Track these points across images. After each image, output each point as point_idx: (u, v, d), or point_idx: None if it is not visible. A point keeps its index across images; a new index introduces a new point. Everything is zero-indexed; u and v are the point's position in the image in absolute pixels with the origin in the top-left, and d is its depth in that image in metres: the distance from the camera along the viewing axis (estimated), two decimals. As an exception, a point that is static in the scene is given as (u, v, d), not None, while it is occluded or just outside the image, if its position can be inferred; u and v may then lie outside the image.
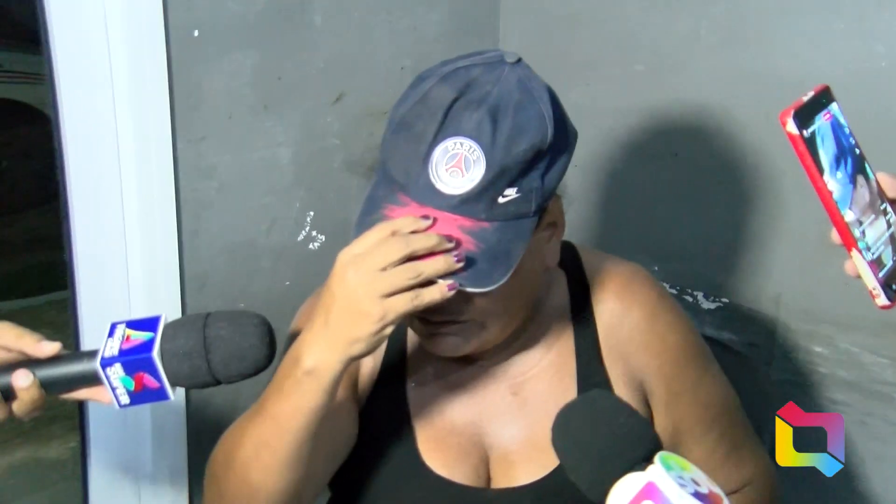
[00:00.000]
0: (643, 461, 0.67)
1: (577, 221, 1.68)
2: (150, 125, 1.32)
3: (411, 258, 0.78)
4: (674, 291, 1.53)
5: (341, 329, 0.79)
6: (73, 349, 0.95)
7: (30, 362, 0.81)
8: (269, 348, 0.83)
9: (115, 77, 1.27)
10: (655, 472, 0.65)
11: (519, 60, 0.87)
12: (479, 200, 0.82)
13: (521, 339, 1.00)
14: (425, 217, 0.80)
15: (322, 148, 1.53)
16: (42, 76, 1.34)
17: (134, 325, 0.83)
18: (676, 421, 1.01)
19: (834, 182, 0.68)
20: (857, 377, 1.35)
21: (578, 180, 1.64)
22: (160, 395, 0.81)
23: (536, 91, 0.85)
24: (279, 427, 0.84)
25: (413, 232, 0.80)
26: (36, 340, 0.82)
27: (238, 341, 0.82)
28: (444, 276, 0.79)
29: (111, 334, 0.82)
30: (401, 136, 0.85)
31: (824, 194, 0.68)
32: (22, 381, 0.79)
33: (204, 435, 1.49)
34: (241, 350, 0.82)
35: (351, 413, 0.99)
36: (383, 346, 1.00)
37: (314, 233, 1.56)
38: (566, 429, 0.73)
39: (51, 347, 0.82)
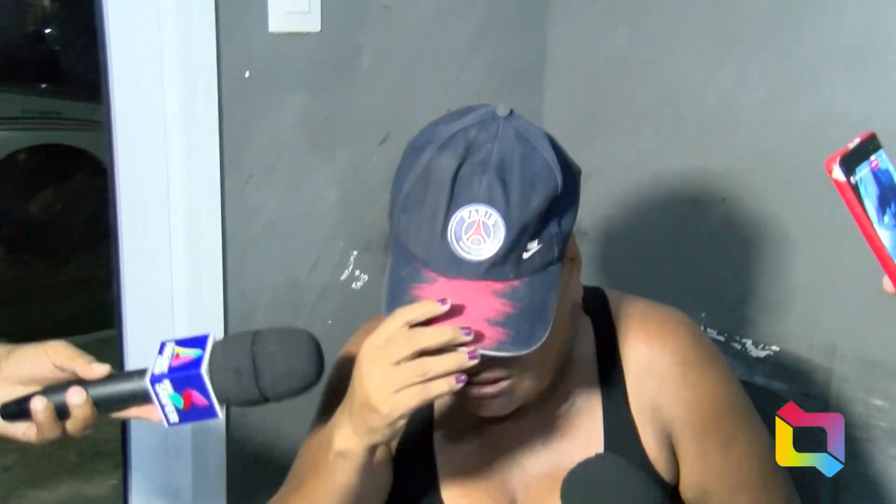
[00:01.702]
0: None
1: (624, 269, 1.67)
2: (200, 163, 1.36)
3: (426, 352, 0.79)
4: (721, 338, 1.50)
5: (360, 419, 0.82)
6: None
7: (82, 381, 0.83)
8: (317, 365, 0.84)
9: (167, 114, 1.32)
10: None
11: (511, 112, 0.86)
12: (505, 262, 0.82)
13: (551, 390, 0.97)
14: (443, 301, 0.80)
15: (367, 188, 1.55)
16: (97, 123, 1.39)
17: (183, 342, 0.84)
18: (703, 480, 0.98)
19: (883, 229, 0.66)
20: (919, 433, 1.30)
21: (626, 227, 1.63)
22: (209, 412, 0.82)
23: (536, 140, 0.85)
24: None
25: (430, 320, 0.80)
26: (88, 362, 0.83)
27: (287, 358, 0.82)
28: (487, 346, 0.79)
29: (160, 352, 0.83)
30: (412, 213, 0.84)
31: (874, 242, 0.66)
32: (75, 398, 0.81)
33: (245, 469, 1.50)
34: (290, 366, 0.82)
35: (388, 470, 0.98)
36: None
37: (357, 272, 1.58)
38: (573, 493, 0.72)
39: (102, 369, 0.83)
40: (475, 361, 0.78)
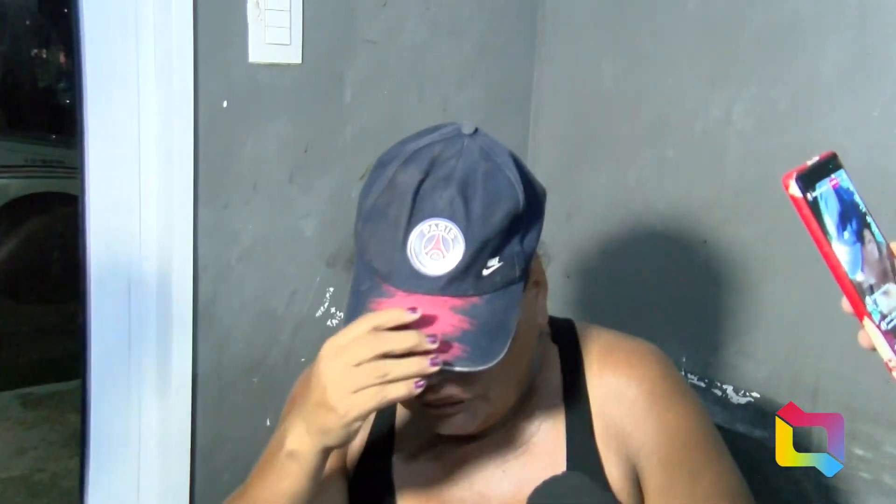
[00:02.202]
0: None
1: (605, 310, 1.64)
2: (173, 189, 1.35)
3: (389, 356, 0.77)
4: (702, 384, 1.46)
5: (315, 418, 0.80)
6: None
7: None
8: None
9: (142, 138, 1.32)
10: None
11: (476, 130, 0.87)
12: (464, 278, 0.81)
13: (513, 414, 0.96)
14: (413, 310, 0.79)
15: (347, 223, 1.52)
16: None
17: None
18: None
19: (841, 246, 0.65)
20: (904, 485, 1.26)
21: (606, 264, 1.62)
22: None
23: (500, 158, 0.85)
24: None
25: (399, 327, 0.79)
26: None
27: None
28: (444, 360, 0.78)
29: None
30: (374, 225, 0.85)
31: (830, 259, 0.65)
32: None
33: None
34: None
35: (341, 487, 0.97)
36: (371, 419, 0.99)
37: (333, 309, 1.56)
38: None
39: None
40: (436, 368, 0.77)
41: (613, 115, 1.61)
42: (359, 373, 0.77)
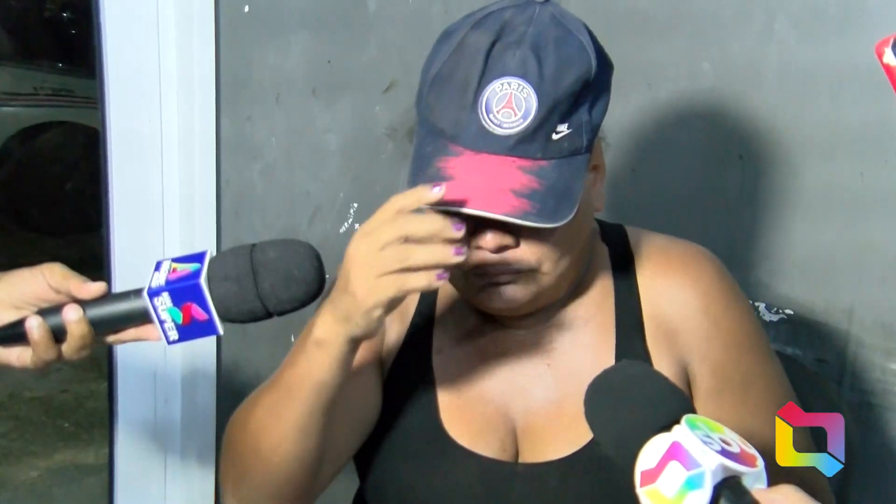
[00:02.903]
0: (672, 424, 0.64)
1: (635, 223, 1.62)
2: (195, 101, 1.33)
3: (411, 240, 0.75)
4: (735, 302, 1.44)
5: (338, 304, 0.79)
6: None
7: (78, 302, 0.81)
8: (317, 271, 0.80)
9: (161, 45, 1.29)
10: (680, 431, 0.63)
11: (548, 0, 0.85)
12: (534, 139, 0.81)
13: (561, 309, 0.95)
14: (437, 185, 0.77)
15: (370, 138, 1.51)
16: None
17: (180, 259, 0.82)
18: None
19: None
20: (939, 401, 1.25)
21: (638, 185, 1.59)
22: (209, 328, 0.80)
23: (573, 24, 0.85)
24: (289, 396, 0.83)
25: (424, 208, 0.77)
26: (82, 281, 0.82)
27: (286, 263, 0.80)
28: (517, 216, 0.77)
29: (157, 269, 0.81)
30: (442, 87, 0.83)
31: None
32: (72, 314, 0.79)
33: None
34: (289, 272, 0.79)
35: (374, 385, 0.96)
36: (410, 312, 0.98)
37: (357, 226, 1.53)
38: (597, 398, 0.71)
39: (98, 287, 0.81)
40: (461, 258, 0.75)
41: (645, 32, 1.55)
42: (382, 256, 0.75)
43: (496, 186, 0.79)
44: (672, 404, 0.67)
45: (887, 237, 1.28)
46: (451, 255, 0.75)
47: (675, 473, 0.61)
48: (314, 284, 0.80)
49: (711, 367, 0.93)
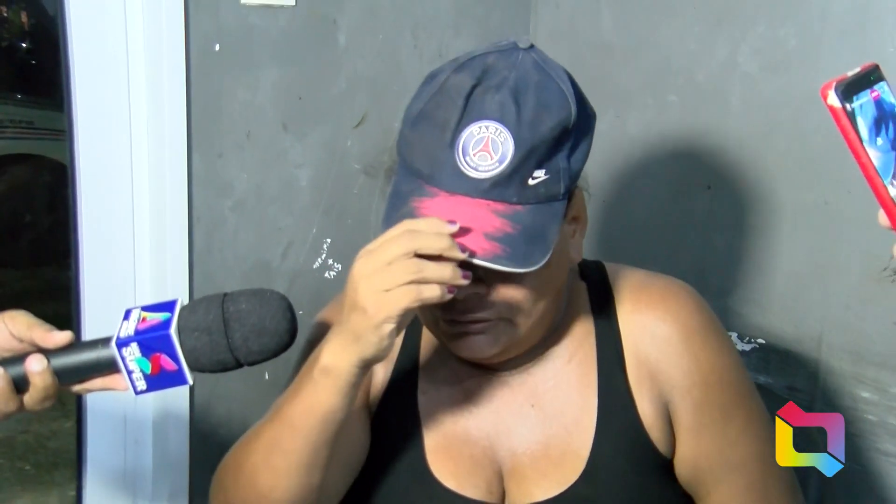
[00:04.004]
0: None
1: (606, 255, 1.64)
2: (166, 137, 1.33)
3: (421, 256, 0.76)
4: (707, 331, 1.47)
5: (348, 325, 0.78)
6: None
7: (43, 351, 0.80)
8: (289, 323, 0.81)
9: (132, 87, 1.29)
10: None
11: (532, 46, 0.87)
12: (509, 183, 0.81)
13: (542, 349, 0.96)
14: (452, 222, 0.79)
15: (342, 172, 1.52)
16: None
17: (150, 308, 0.81)
18: (698, 455, 0.95)
19: (877, 154, 0.65)
20: (908, 426, 1.28)
21: (607, 213, 1.62)
22: (178, 378, 0.79)
23: (554, 71, 0.86)
24: (292, 429, 0.82)
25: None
26: (48, 330, 0.80)
27: (258, 315, 0.80)
28: (487, 259, 0.78)
29: (126, 318, 0.81)
30: (421, 127, 0.85)
31: (868, 169, 0.65)
32: (35, 365, 0.78)
33: (208, 459, 1.45)
34: (262, 324, 0.80)
35: (364, 423, 0.96)
36: (395, 354, 0.98)
37: (330, 261, 1.54)
38: None
39: (62, 336, 0.80)
40: (467, 281, 0.77)
41: (613, 61, 1.60)
42: (391, 270, 0.75)
43: (469, 229, 0.79)
44: None
45: (853, 264, 1.32)
46: (459, 276, 0.76)
47: None
48: (286, 336, 0.81)
49: (692, 402, 0.94)
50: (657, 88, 1.53)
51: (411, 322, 0.95)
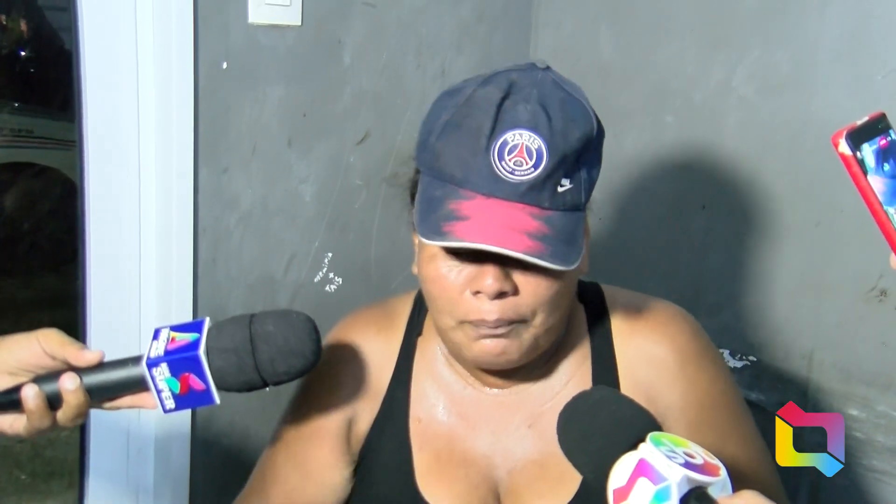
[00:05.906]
0: (638, 443, 0.70)
1: (601, 273, 1.69)
2: (174, 151, 1.38)
3: None
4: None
5: None
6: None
7: (74, 369, 0.83)
8: (315, 344, 0.86)
9: (141, 102, 1.34)
10: (645, 449, 0.68)
11: (548, 67, 0.92)
12: (543, 188, 0.85)
13: (542, 370, 1.00)
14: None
15: (345, 187, 1.57)
16: (69, 142, 1.39)
17: (179, 328, 0.85)
18: None
19: (888, 197, 0.68)
20: (896, 444, 1.33)
21: (604, 230, 1.66)
22: (206, 398, 0.82)
23: (573, 89, 0.91)
24: None
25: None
26: (79, 348, 0.83)
27: (285, 337, 0.84)
28: (535, 255, 0.82)
29: (155, 337, 0.84)
30: (450, 135, 0.88)
31: (880, 216, 0.68)
32: (69, 383, 0.81)
33: (209, 474, 1.49)
34: (288, 345, 0.84)
35: (340, 471, 1.00)
36: (382, 392, 1.02)
37: (331, 275, 1.59)
38: (568, 425, 0.76)
39: (94, 355, 0.83)
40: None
41: (612, 82, 1.65)
42: None
43: (511, 228, 0.83)
44: (637, 423, 0.72)
45: (844, 284, 1.36)
46: None
47: (644, 489, 0.66)
48: (311, 357, 0.85)
49: (688, 423, 0.97)
50: (655, 109, 1.59)
51: (404, 351, 1.02)
